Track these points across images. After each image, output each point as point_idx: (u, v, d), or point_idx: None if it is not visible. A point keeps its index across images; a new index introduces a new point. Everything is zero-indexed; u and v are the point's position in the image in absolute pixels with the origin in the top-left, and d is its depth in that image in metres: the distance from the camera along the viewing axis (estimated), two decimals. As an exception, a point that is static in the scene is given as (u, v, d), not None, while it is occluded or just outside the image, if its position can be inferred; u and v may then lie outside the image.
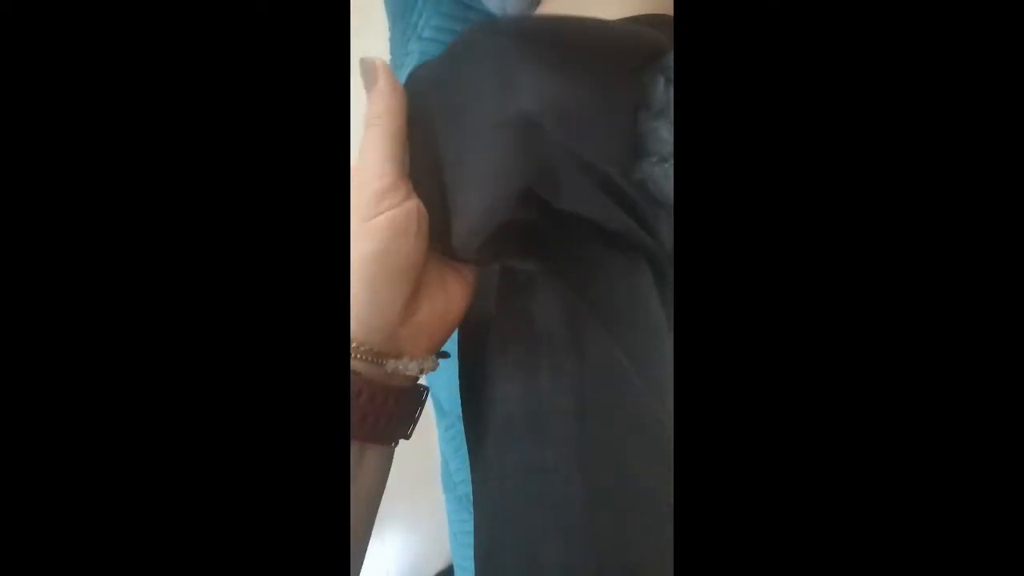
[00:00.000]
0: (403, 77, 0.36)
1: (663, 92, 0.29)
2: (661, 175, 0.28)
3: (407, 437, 0.27)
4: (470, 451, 0.27)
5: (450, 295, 0.26)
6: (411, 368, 0.25)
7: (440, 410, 0.40)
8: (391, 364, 0.24)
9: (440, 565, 1.03)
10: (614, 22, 0.28)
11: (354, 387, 0.23)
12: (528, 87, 0.23)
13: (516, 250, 0.26)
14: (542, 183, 0.24)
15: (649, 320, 0.24)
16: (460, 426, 0.41)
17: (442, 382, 0.39)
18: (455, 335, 0.29)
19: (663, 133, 0.29)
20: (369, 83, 0.25)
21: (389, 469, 0.27)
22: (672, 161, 0.28)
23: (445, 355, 0.29)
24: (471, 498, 0.27)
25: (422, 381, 0.28)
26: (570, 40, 0.26)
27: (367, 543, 0.26)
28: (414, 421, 0.27)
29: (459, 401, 0.34)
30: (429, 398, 0.45)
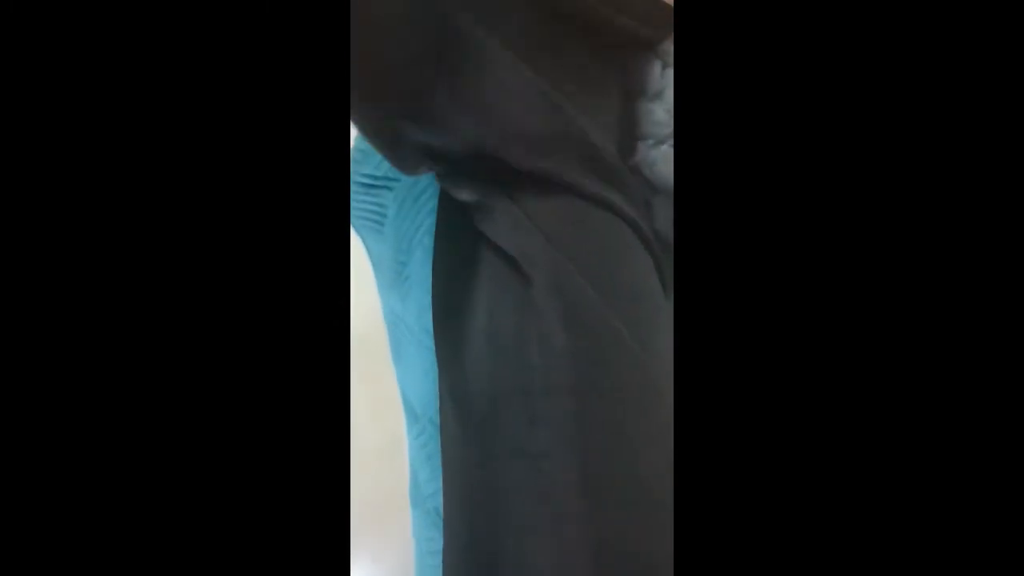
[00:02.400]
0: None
1: (659, 76, 0.28)
2: (658, 157, 0.27)
3: None
4: (444, 439, 0.24)
5: None
6: None
7: (411, 414, 0.37)
8: None
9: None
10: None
11: None
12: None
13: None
14: None
15: (641, 287, 0.22)
16: (432, 431, 0.38)
17: (415, 381, 0.36)
18: (429, 315, 0.26)
19: (659, 115, 0.27)
20: None
21: None
22: (669, 143, 0.27)
23: None
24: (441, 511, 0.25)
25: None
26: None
27: None
28: None
29: (432, 403, 0.31)
30: (398, 403, 0.42)
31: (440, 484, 0.30)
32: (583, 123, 0.24)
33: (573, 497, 0.18)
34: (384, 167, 0.37)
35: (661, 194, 0.27)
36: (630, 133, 0.28)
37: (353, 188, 0.39)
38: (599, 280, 0.21)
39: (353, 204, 0.40)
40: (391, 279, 0.38)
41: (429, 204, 0.32)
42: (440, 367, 0.25)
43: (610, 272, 0.22)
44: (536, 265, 0.21)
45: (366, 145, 0.39)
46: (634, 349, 0.20)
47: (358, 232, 0.43)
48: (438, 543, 0.40)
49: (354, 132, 0.40)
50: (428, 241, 0.35)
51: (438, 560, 0.37)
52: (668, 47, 0.28)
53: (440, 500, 0.30)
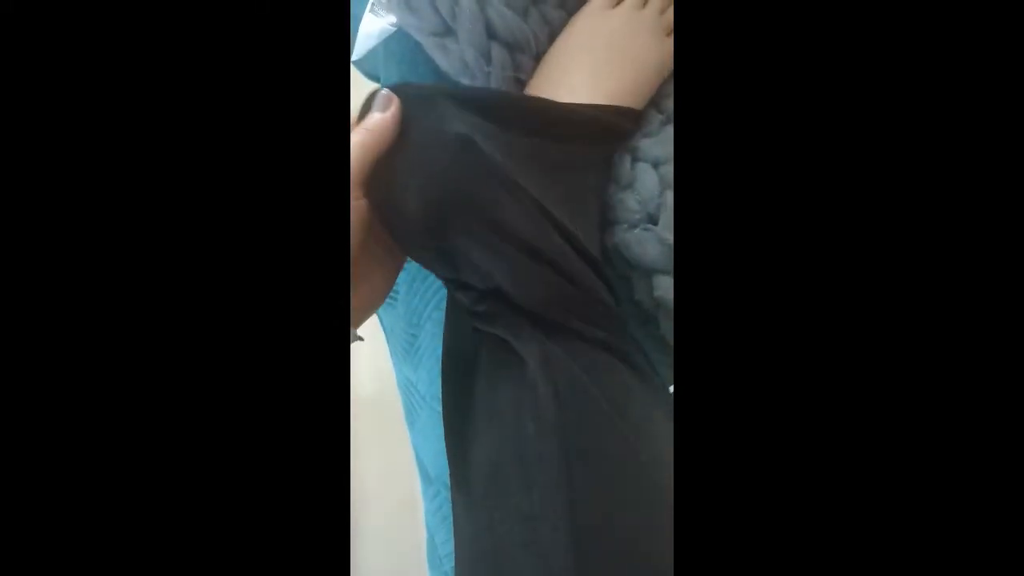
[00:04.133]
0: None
1: (629, 169, 0.33)
2: (631, 240, 0.31)
3: None
4: (455, 504, 0.27)
5: (375, 284, 0.30)
6: None
7: (426, 477, 0.40)
8: None
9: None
10: (578, 106, 0.31)
11: None
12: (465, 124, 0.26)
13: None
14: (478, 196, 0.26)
15: (629, 366, 0.26)
16: (447, 493, 0.41)
17: (428, 445, 0.39)
18: (439, 384, 0.29)
19: (631, 203, 0.32)
20: (380, 108, 0.27)
21: None
22: (641, 227, 0.31)
23: (359, 339, 0.31)
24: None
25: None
26: (535, 114, 0.29)
27: None
28: None
29: (446, 467, 0.34)
30: (414, 465, 0.44)
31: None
32: (575, 242, 0.27)
33: (563, 555, 0.20)
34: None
35: (637, 270, 0.31)
36: (607, 218, 0.32)
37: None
38: (585, 360, 0.25)
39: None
40: (404, 350, 0.42)
41: (438, 281, 0.36)
42: (447, 437, 0.28)
43: (593, 356, 0.25)
44: (528, 346, 0.25)
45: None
46: (616, 421, 0.23)
47: (371, 306, 0.46)
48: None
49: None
50: (438, 315, 0.39)
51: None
52: (636, 143, 0.33)
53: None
